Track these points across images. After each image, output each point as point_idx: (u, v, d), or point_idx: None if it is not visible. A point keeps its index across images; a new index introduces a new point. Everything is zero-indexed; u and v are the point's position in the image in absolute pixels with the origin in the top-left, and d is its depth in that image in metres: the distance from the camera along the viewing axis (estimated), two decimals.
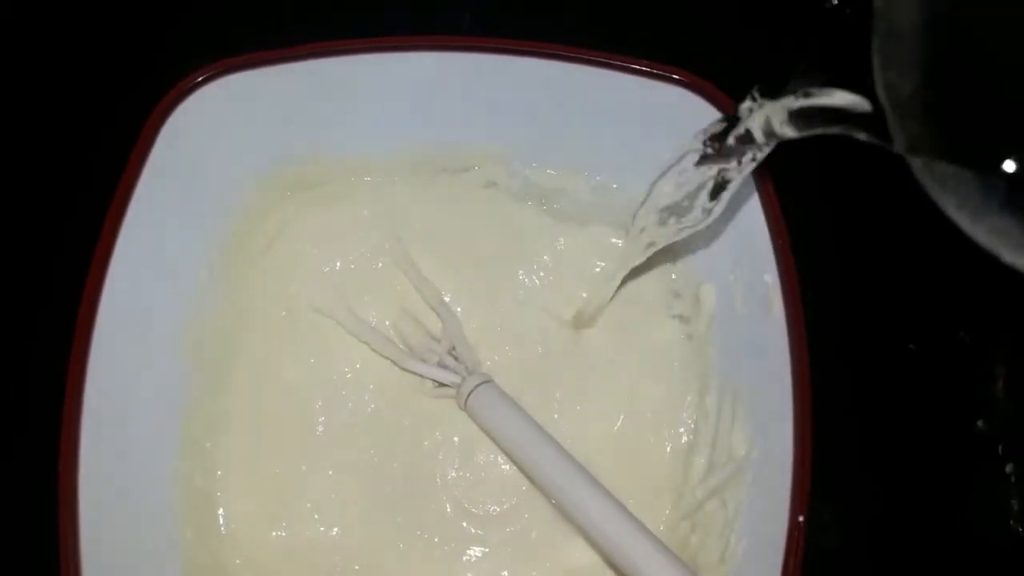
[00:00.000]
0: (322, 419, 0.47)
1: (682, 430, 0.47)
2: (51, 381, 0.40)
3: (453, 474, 0.46)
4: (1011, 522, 0.44)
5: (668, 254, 0.49)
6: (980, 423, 0.45)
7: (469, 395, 0.45)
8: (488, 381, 0.45)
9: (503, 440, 0.44)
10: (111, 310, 0.41)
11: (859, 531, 0.46)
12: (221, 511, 0.45)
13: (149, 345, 0.44)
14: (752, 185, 0.43)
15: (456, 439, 0.47)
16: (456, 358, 0.47)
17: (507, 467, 0.46)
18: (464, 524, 0.46)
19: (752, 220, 0.43)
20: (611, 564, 0.42)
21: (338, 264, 0.49)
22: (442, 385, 0.47)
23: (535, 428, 0.43)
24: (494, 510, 0.46)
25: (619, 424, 0.48)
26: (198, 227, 0.46)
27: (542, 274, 0.49)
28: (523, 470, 0.44)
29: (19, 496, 0.43)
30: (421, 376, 0.47)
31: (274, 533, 0.45)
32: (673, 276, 0.49)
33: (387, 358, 0.47)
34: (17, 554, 0.43)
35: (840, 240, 0.48)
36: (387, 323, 0.48)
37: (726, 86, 0.43)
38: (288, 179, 0.49)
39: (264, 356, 0.47)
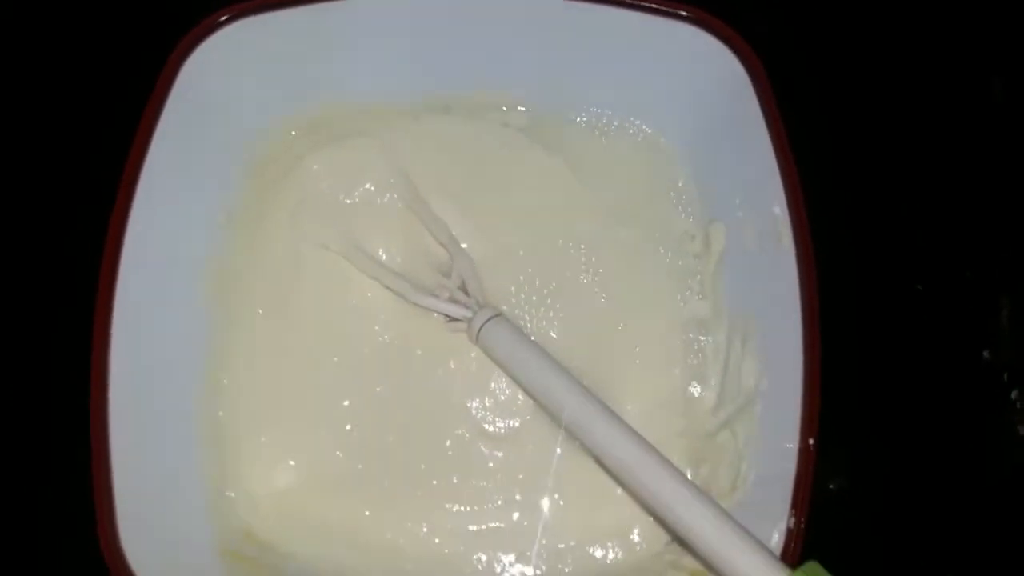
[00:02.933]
0: (336, 352, 0.48)
1: (693, 362, 0.49)
2: (78, 322, 0.41)
3: (469, 400, 0.48)
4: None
5: (678, 195, 0.50)
6: (986, 353, 0.47)
7: (480, 329, 0.46)
8: (499, 315, 0.47)
9: (516, 373, 0.46)
10: (134, 252, 0.43)
11: (868, 464, 0.47)
12: (242, 444, 0.46)
13: (171, 285, 0.45)
14: (761, 120, 0.44)
15: (472, 368, 0.48)
16: (467, 293, 0.48)
17: (523, 395, 0.48)
18: (482, 447, 0.47)
19: (761, 155, 0.44)
20: (626, 488, 0.43)
21: (347, 202, 0.50)
22: (454, 320, 0.48)
23: (548, 360, 0.45)
24: (511, 432, 0.48)
25: (630, 357, 0.49)
26: (215, 169, 0.48)
27: (549, 212, 0.50)
28: (537, 401, 0.46)
29: (52, 432, 0.45)
30: (432, 311, 0.48)
31: (292, 463, 0.47)
32: (684, 216, 0.50)
33: (398, 293, 0.48)
34: (52, 490, 0.45)
35: (849, 177, 0.49)
36: (398, 260, 0.50)
37: (736, 22, 0.44)
38: (301, 121, 0.50)
39: (279, 294, 0.49)
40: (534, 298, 0.50)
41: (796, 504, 0.39)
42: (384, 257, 0.50)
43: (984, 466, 0.46)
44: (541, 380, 0.45)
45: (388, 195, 0.50)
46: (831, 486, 0.47)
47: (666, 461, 0.40)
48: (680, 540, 0.43)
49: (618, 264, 0.50)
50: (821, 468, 0.40)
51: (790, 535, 0.38)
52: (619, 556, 0.46)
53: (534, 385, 0.45)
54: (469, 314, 0.47)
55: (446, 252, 0.50)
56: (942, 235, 0.50)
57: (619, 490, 0.46)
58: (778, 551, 0.39)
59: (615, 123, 0.51)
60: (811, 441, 0.39)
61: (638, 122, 0.51)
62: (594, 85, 0.49)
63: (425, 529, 0.46)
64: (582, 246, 0.50)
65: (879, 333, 0.48)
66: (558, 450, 0.47)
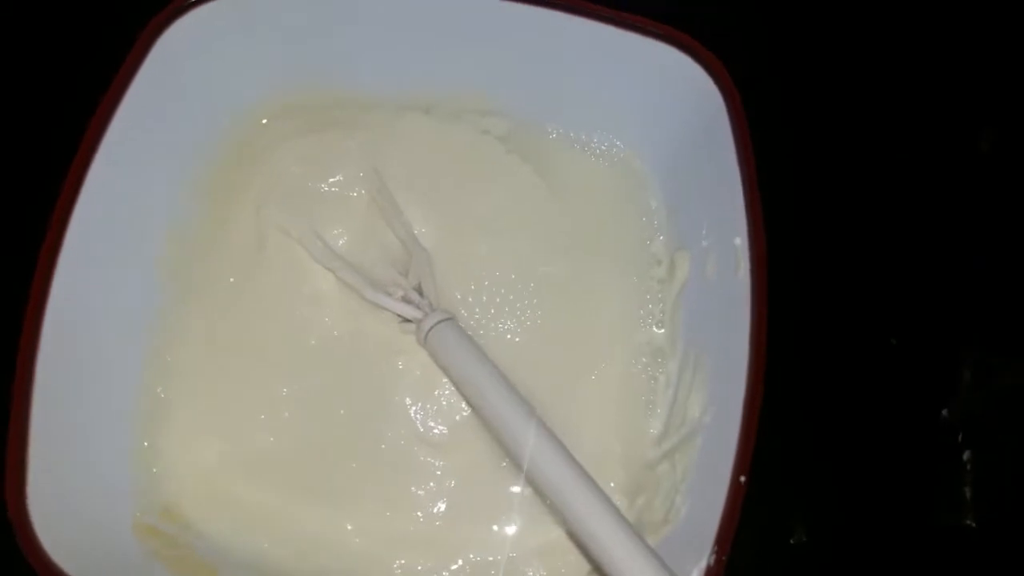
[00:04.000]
0: (284, 340, 0.48)
1: (644, 390, 0.48)
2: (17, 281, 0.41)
3: (411, 403, 0.47)
4: (964, 514, 0.44)
5: (649, 218, 0.50)
6: (944, 412, 0.45)
7: (429, 332, 0.46)
8: (450, 319, 0.46)
9: (459, 380, 0.45)
10: (85, 216, 0.42)
11: (807, 510, 0.46)
12: (177, 422, 0.46)
13: (124, 254, 0.45)
14: (732, 146, 0.43)
15: (418, 371, 0.48)
16: (421, 294, 0.48)
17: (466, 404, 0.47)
18: (418, 452, 0.47)
19: (729, 184, 0.43)
20: (551, 506, 0.42)
21: (313, 190, 0.50)
22: (406, 320, 0.48)
23: (493, 371, 0.44)
24: (449, 439, 0.47)
25: (581, 380, 0.48)
26: (181, 146, 0.48)
27: (516, 222, 0.50)
28: (477, 411, 0.45)
29: None
30: (384, 309, 0.48)
31: (223, 445, 0.46)
32: (653, 240, 0.50)
33: (351, 287, 0.48)
34: None
35: (818, 214, 0.48)
36: (356, 253, 0.49)
37: (713, 45, 0.44)
38: (276, 106, 0.50)
39: (232, 275, 0.49)
40: (491, 309, 0.49)
41: (719, 540, 0.38)
42: (343, 249, 0.49)
43: (928, 527, 0.45)
44: (481, 389, 0.44)
45: (356, 188, 0.50)
46: (791, 540, 0.47)
47: (591, 482, 0.39)
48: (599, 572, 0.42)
49: (581, 283, 0.50)
50: (780, 521, 0.39)
51: (708, 572, 0.37)
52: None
53: (474, 393, 0.45)
54: (420, 315, 0.47)
55: (406, 250, 0.49)
56: (911, 284, 0.49)
57: (548, 512, 0.45)
58: None
59: (593, 139, 0.51)
60: (742, 478, 0.38)
61: (614, 139, 0.50)
62: (573, 99, 0.49)
63: (349, 527, 0.45)
64: (546, 261, 0.50)
65: (835, 377, 0.46)
66: (500, 464, 0.46)
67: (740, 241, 0.42)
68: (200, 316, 0.48)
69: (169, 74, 0.45)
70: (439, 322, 0.46)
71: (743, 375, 0.40)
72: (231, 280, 0.49)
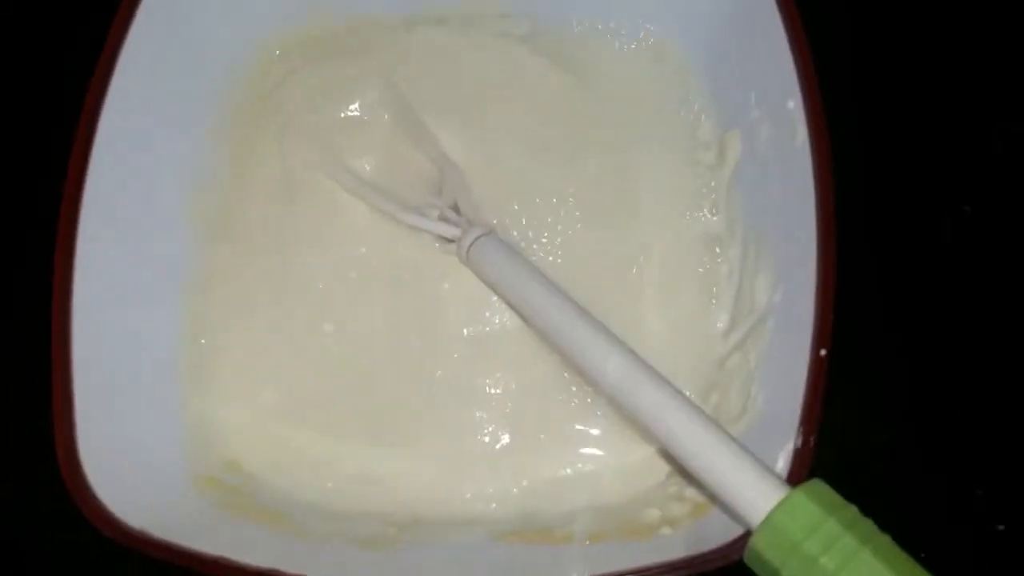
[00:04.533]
0: (323, 277, 0.46)
1: (707, 284, 0.45)
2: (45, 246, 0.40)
3: (463, 324, 0.45)
4: None
5: (691, 103, 0.47)
6: None
7: (470, 248, 0.44)
8: (490, 232, 0.44)
9: (507, 293, 0.43)
10: (102, 177, 0.40)
11: (882, 384, 0.43)
12: (223, 372, 0.45)
13: (150, 207, 0.44)
14: (775, 11, 0.40)
15: (465, 291, 0.46)
16: (458, 211, 0.46)
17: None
18: (475, 372, 0.45)
19: (774, 47, 0.40)
20: (623, 412, 0.40)
21: (333, 120, 0.48)
22: (447, 241, 0.46)
23: (540, 279, 0.42)
24: (506, 357, 0.45)
25: (638, 282, 0.46)
26: (196, 89, 0.46)
27: (549, 126, 0.47)
28: (530, 323, 0.43)
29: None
30: (422, 231, 0.46)
31: (280, 390, 0.45)
32: (698, 125, 0.47)
33: (386, 213, 0.46)
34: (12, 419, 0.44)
35: (871, 70, 0.45)
36: (386, 179, 0.47)
37: None
38: (284, 39, 0.48)
39: (263, 216, 0.47)
40: (532, 219, 0.47)
41: (805, 421, 0.35)
42: (372, 176, 0.47)
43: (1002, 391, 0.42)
44: (532, 300, 0.42)
45: (377, 112, 0.48)
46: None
47: (661, 377, 0.37)
48: (681, 470, 0.40)
49: (625, 180, 0.47)
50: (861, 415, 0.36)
51: (796, 455, 0.35)
52: (618, 487, 0.42)
53: (525, 306, 0.42)
54: (459, 232, 0.45)
55: (436, 169, 0.47)
56: (977, 144, 0.45)
57: (622, 420, 0.43)
58: (784, 473, 0.35)
59: (622, 27, 0.48)
60: (823, 352, 0.36)
61: (644, 23, 0.48)
62: None
63: (413, 459, 0.44)
64: (587, 162, 0.47)
65: (907, 243, 0.43)
66: (562, 375, 0.44)
67: (794, 104, 0.39)
68: (235, 261, 0.46)
69: (168, 15, 0.43)
70: (479, 236, 0.44)
71: (812, 246, 0.37)
72: (262, 222, 0.47)
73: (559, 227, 0.46)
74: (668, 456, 0.41)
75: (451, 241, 0.46)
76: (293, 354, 0.45)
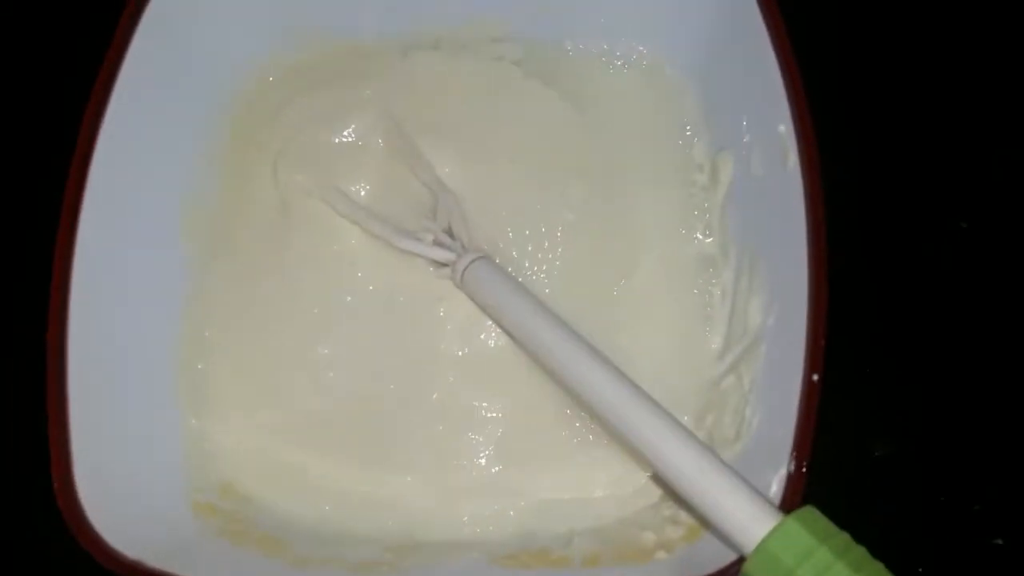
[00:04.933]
0: (319, 301, 0.46)
1: (700, 306, 0.45)
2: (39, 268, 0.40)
3: (458, 348, 0.46)
4: None
5: (684, 125, 0.47)
6: None
7: (464, 272, 0.44)
8: (484, 257, 0.44)
9: (502, 316, 0.43)
10: (99, 196, 0.41)
11: (878, 400, 0.43)
12: (221, 396, 0.45)
13: (144, 231, 0.44)
14: (764, 32, 0.40)
15: (461, 316, 0.46)
16: (452, 236, 0.46)
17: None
18: (470, 396, 0.45)
19: (765, 71, 0.40)
20: (617, 436, 0.40)
21: (328, 145, 0.48)
22: (441, 266, 0.46)
23: (535, 303, 0.42)
24: (502, 381, 0.45)
25: (632, 305, 0.46)
26: (191, 114, 0.47)
27: (544, 149, 0.48)
28: (524, 347, 0.43)
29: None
30: (417, 255, 0.46)
31: (272, 414, 0.45)
32: (691, 147, 0.47)
33: (381, 238, 0.46)
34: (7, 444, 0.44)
35: (863, 95, 0.45)
36: (381, 204, 0.48)
37: None
38: (279, 64, 0.49)
39: (259, 241, 0.47)
40: (526, 243, 0.47)
41: (797, 447, 0.35)
42: (367, 201, 0.48)
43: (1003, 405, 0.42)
44: (526, 324, 0.42)
45: (372, 136, 0.48)
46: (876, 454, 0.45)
47: (654, 403, 0.37)
48: (675, 495, 0.40)
49: (619, 203, 0.47)
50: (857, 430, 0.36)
51: (789, 481, 0.35)
52: (613, 508, 0.43)
53: (519, 330, 0.43)
54: (453, 257, 0.45)
55: (431, 193, 0.47)
56: (970, 162, 0.45)
57: (614, 442, 0.43)
58: (777, 499, 0.35)
59: (616, 49, 0.49)
60: (815, 377, 0.36)
61: (636, 45, 0.48)
62: (587, 7, 0.47)
63: (409, 481, 0.44)
64: (580, 185, 0.47)
65: (902, 263, 0.44)
66: (556, 399, 0.44)
67: (785, 128, 0.39)
68: (231, 286, 0.46)
69: (165, 39, 0.44)
70: (473, 261, 0.44)
71: (804, 269, 0.37)
72: (258, 246, 0.47)
73: (553, 251, 0.47)
74: (661, 480, 0.42)
75: (445, 265, 0.46)
76: (289, 377, 0.46)
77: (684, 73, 0.47)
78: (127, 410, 0.41)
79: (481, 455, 0.44)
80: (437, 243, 0.46)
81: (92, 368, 0.39)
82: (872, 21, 0.47)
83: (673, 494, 0.41)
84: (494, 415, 0.45)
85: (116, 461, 0.40)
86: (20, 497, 0.42)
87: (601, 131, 0.48)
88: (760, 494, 0.34)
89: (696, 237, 0.46)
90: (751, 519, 0.33)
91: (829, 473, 0.36)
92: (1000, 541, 0.44)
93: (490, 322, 0.45)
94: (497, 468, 0.44)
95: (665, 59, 0.48)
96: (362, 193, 0.48)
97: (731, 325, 0.43)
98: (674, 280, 0.46)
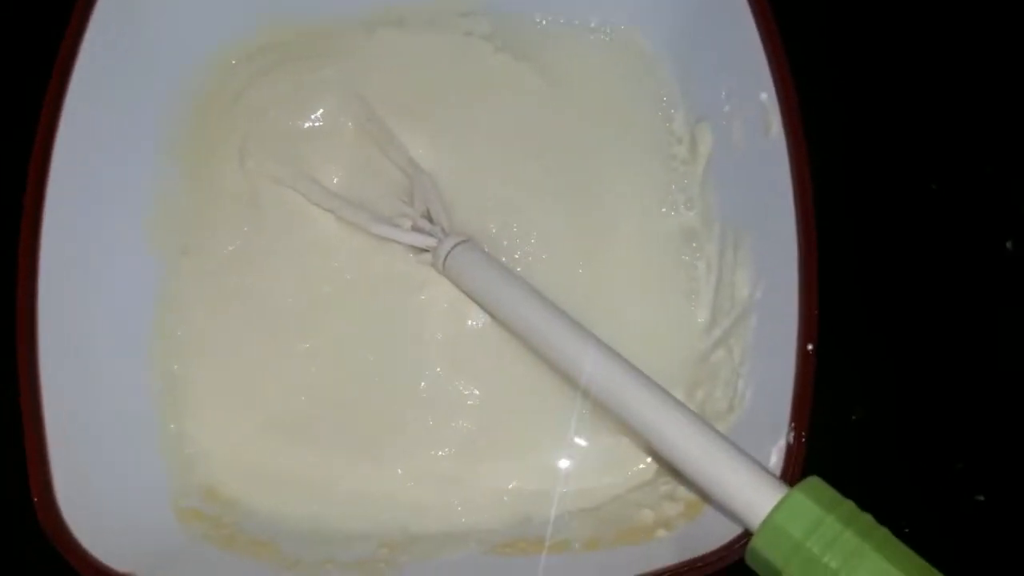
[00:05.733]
0: (295, 293, 0.45)
1: (683, 280, 0.45)
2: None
3: (443, 336, 0.45)
4: None
5: (659, 97, 0.47)
6: (1009, 244, 0.43)
7: (446, 257, 0.43)
8: (466, 241, 0.44)
9: (488, 301, 0.43)
10: (59, 196, 0.39)
11: (873, 363, 0.44)
12: (199, 397, 0.44)
13: (109, 229, 0.43)
14: (745, 3, 0.40)
15: (444, 303, 0.45)
16: (431, 220, 0.45)
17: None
18: (458, 384, 0.44)
19: (744, 38, 0.40)
20: (612, 414, 0.40)
21: (296, 130, 0.47)
22: (421, 251, 0.45)
23: (522, 285, 0.42)
24: (489, 367, 0.45)
25: (614, 281, 0.46)
26: (149, 104, 0.45)
27: (518, 126, 0.47)
28: (512, 331, 0.43)
29: None
30: (395, 241, 0.45)
31: (253, 413, 0.44)
32: (668, 119, 0.47)
33: (356, 225, 0.45)
34: None
35: (845, 58, 0.45)
36: (355, 189, 0.47)
37: None
38: (241, 47, 0.47)
39: (232, 234, 0.46)
40: (506, 224, 0.46)
41: (795, 418, 0.35)
42: (340, 187, 0.47)
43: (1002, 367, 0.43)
44: (513, 307, 0.41)
45: (341, 120, 0.47)
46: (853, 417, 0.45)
47: (649, 380, 0.37)
48: (672, 470, 0.40)
49: (598, 178, 0.47)
50: (837, 393, 0.37)
51: (789, 452, 0.35)
52: (607, 490, 0.43)
53: (506, 313, 0.42)
54: (434, 242, 0.44)
55: (406, 177, 0.46)
56: (951, 124, 0.46)
57: (607, 420, 0.43)
58: (777, 471, 0.35)
59: (589, 22, 0.48)
60: (810, 347, 0.36)
61: (609, 17, 0.47)
62: None
63: (400, 474, 0.43)
64: (557, 162, 0.47)
65: (884, 229, 0.44)
66: (547, 381, 0.44)
67: (767, 96, 0.39)
68: (202, 282, 0.45)
69: (121, 27, 0.42)
70: (456, 245, 0.43)
71: (792, 241, 0.37)
72: (229, 239, 0.46)
73: (532, 229, 0.46)
74: (657, 456, 0.42)
75: (425, 251, 0.45)
76: (270, 374, 0.45)
77: (658, 43, 0.47)
78: (103, 418, 0.40)
79: (471, 443, 0.44)
80: (416, 228, 0.45)
81: (65, 377, 0.38)
82: None
83: (670, 470, 0.41)
84: (483, 401, 0.44)
85: (96, 472, 0.39)
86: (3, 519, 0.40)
87: (575, 105, 0.47)
88: (763, 467, 0.34)
89: (678, 210, 0.46)
90: (756, 494, 0.33)
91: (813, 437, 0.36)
92: (982, 497, 0.45)
93: (473, 307, 0.45)
94: (487, 453, 0.44)
95: (639, 29, 0.47)
96: (334, 179, 0.46)
97: (717, 298, 0.43)
98: (655, 254, 0.46)
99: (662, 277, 0.45)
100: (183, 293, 0.45)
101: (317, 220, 0.46)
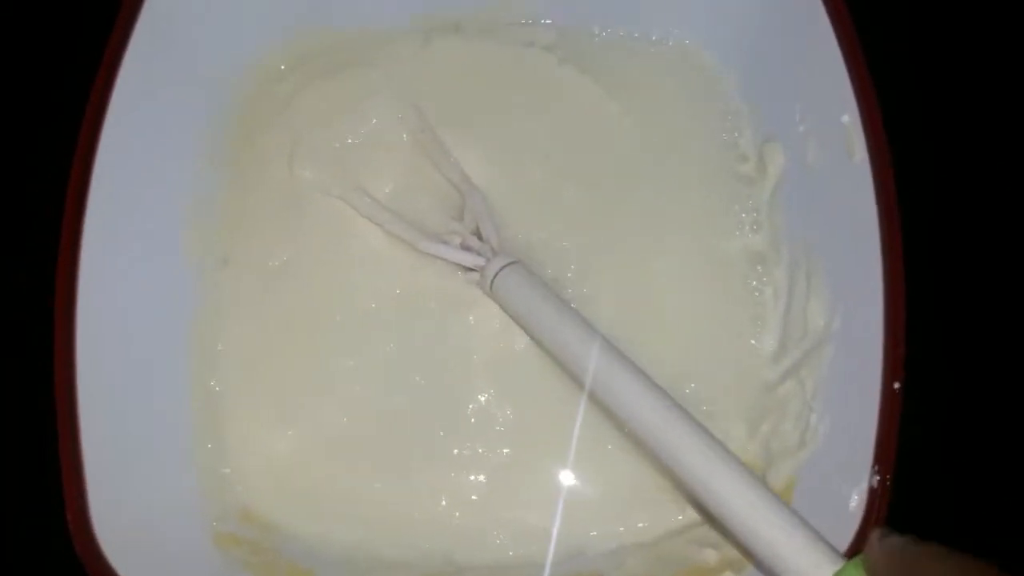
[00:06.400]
0: (339, 308, 0.44)
1: (746, 305, 0.43)
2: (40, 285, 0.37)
3: (491, 358, 0.43)
4: None
5: (726, 113, 0.45)
6: None
7: (495, 278, 0.41)
8: (516, 262, 0.42)
9: (535, 328, 0.41)
10: (100, 208, 0.38)
11: (957, 410, 0.42)
12: (238, 415, 0.42)
13: (147, 241, 0.41)
14: (823, 14, 0.38)
15: (495, 323, 0.43)
16: (480, 238, 0.44)
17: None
18: (507, 410, 0.43)
19: (825, 57, 0.38)
20: (655, 458, 0.38)
21: (347, 140, 0.45)
22: (468, 270, 0.43)
23: (568, 312, 0.40)
24: (539, 395, 0.43)
25: (673, 306, 0.44)
26: (193, 111, 0.43)
27: (577, 142, 0.45)
28: (559, 361, 0.41)
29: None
30: (443, 259, 0.43)
31: (294, 433, 0.42)
32: (734, 136, 0.45)
33: (405, 241, 0.44)
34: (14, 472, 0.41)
35: (931, 76, 0.43)
36: (404, 202, 0.45)
37: None
38: (288, 54, 0.46)
39: (275, 246, 0.44)
40: (560, 245, 0.44)
41: (880, 459, 0.34)
42: (389, 199, 0.45)
43: None
44: (562, 337, 0.39)
45: (394, 131, 0.45)
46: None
47: (700, 427, 0.35)
48: (709, 520, 0.39)
49: (658, 198, 0.45)
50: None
51: (872, 495, 0.33)
52: (643, 534, 0.41)
53: (554, 342, 0.40)
54: (482, 262, 0.42)
55: (458, 192, 0.45)
56: None
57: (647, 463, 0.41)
58: (859, 514, 0.33)
59: (650, 35, 0.46)
60: (896, 385, 0.34)
61: (673, 30, 0.45)
62: None
63: (443, 502, 0.42)
64: (617, 179, 0.45)
65: (969, 261, 0.42)
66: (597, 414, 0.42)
67: (849, 118, 0.37)
68: (243, 296, 0.43)
69: (165, 35, 0.40)
70: (505, 266, 0.41)
71: (876, 272, 0.36)
72: (271, 250, 0.44)
73: (587, 252, 0.44)
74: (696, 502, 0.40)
75: (473, 270, 0.43)
76: (310, 393, 0.43)
77: (723, 58, 0.45)
78: (140, 437, 0.38)
79: (520, 471, 0.42)
80: (464, 246, 0.43)
81: (101, 395, 0.36)
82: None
83: (708, 519, 0.39)
84: (531, 429, 0.42)
85: (131, 495, 0.37)
86: (35, 542, 0.38)
87: (636, 121, 0.46)
88: (817, 534, 0.31)
89: (743, 232, 0.44)
90: (810, 565, 0.30)
91: None
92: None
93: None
94: (537, 484, 0.42)
95: (702, 42, 0.46)
96: (384, 190, 0.45)
97: (787, 326, 0.42)
98: (718, 277, 0.44)
99: (725, 301, 0.44)
100: (223, 306, 0.43)
101: (363, 233, 0.44)
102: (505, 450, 0.42)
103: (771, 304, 0.43)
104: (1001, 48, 0.45)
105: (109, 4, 0.39)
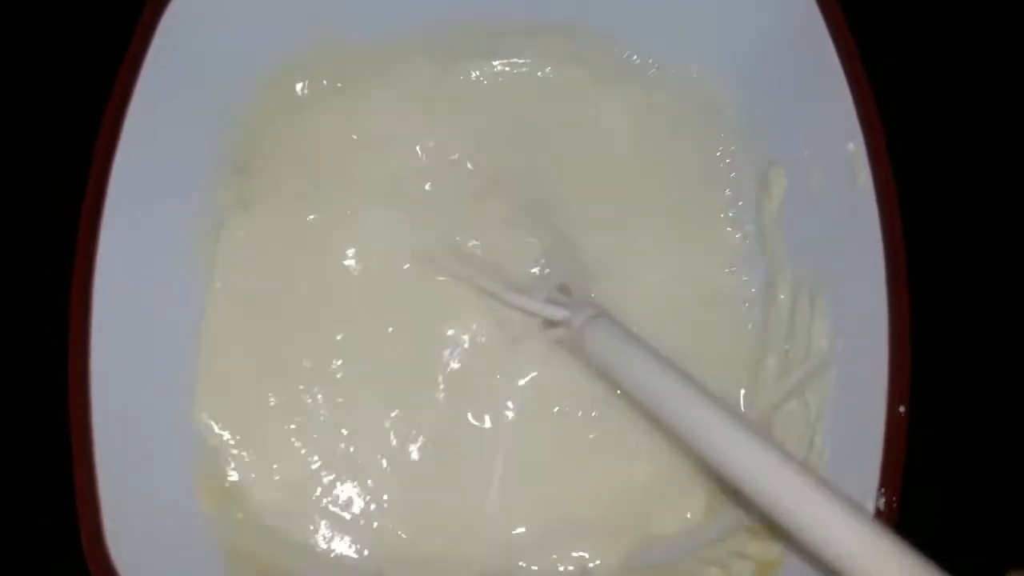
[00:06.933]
0: (341, 356, 0.44)
1: (749, 327, 0.44)
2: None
3: (518, 416, 0.44)
4: None
5: (730, 140, 0.46)
6: None
7: (583, 330, 0.40)
8: (602, 313, 0.41)
9: (624, 377, 0.40)
10: (115, 235, 0.38)
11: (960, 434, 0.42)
12: (245, 432, 0.43)
13: (163, 272, 0.42)
14: (828, 40, 0.39)
15: (529, 378, 0.44)
16: (565, 291, 0.43)
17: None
18: (530, 446, 0.43)
19: (829, 84, 0.39)
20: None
21: (389, 176, 0.46)
22: (552, 324, 0.42)
23: (660, 361, 0.38)
24: (540, 415, 0.43)
25: (683, 325, 0.44)
26: (204, 141, 0.43)
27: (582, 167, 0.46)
28: (652, 412, 0.39)
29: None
30: (530, 313, 0.43)
31: (302, 449, 0.43)
32: (736, 165, 0.46)
33: (492, 295, 0.43)
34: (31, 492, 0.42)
35: (934, 107, 0.44)
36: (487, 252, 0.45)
37: None
38: (305, 66, 0.45)
39: (290, 276, 0.45)
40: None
41: (886, 482, 0.34)
42: (473, 251, 0.45)
43: None
44: (652, 386, 0.38)
45: (448, 171, 0.45)
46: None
47: (800, 468, 0.33)
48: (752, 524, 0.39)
49: (667, 221, 0.46)
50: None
51: (879, 518, 0.34)
52: (680, 545, 0.41)
53: (644, 391, 0.39)
54: (569, 315, 0.41)
55: (539, 243, 0.45)
56: None
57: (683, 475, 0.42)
58: None
59: (649, 59, 0.46)
60: (902, 408, 0.35)
61: (673, 56, 0.46)
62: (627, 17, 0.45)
63: (464, 537, 0.42)
64: (617, 205, 0.46)
65: (974, 282, 0.43)
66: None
67: (855, 146, 0.38)
68: (257, 322, 0.44)
69: (182, 46, 0.41)
70: (593, 317, 0.40)
71: (880, 296, 0.37)
72: (288, 278, 0.44)
73: (580, 277, 0.45)
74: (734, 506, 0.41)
75: (555, 325, 0.42)
76: (321, 410, 0.43)
77: (727, 87, 0.45)
78: (155, 462, 0.39)
79: (520, 489, 0.43)
80: (550, 300, 0.42)
81: (115, 415, 0.37)
82: (944, 27, 0.45)
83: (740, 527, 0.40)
84: (532, 445, 0.43)
85: (145, 512, 0.37)
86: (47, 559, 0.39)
87: (641, 148, 0.46)
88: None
89: (743, 255, 0.45)
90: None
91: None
92: None
93: (561, 392, 0.43)
94: (540, 502, 0.43)
95: (705, 71, 0.46)
96: (471, 243, 0.45)
97: (791, 347, 0.42)
98: (723, 299, 0.45)
99: (732, 324, 0.44)
100: (229, 323, 0.43)
101: (393, 263, 0.45)
102: (527, 487, 0.43)
103: (773, 326, 0.43)
104: (1003, 71, 0.46)
105: (130, 14, 0.39)
